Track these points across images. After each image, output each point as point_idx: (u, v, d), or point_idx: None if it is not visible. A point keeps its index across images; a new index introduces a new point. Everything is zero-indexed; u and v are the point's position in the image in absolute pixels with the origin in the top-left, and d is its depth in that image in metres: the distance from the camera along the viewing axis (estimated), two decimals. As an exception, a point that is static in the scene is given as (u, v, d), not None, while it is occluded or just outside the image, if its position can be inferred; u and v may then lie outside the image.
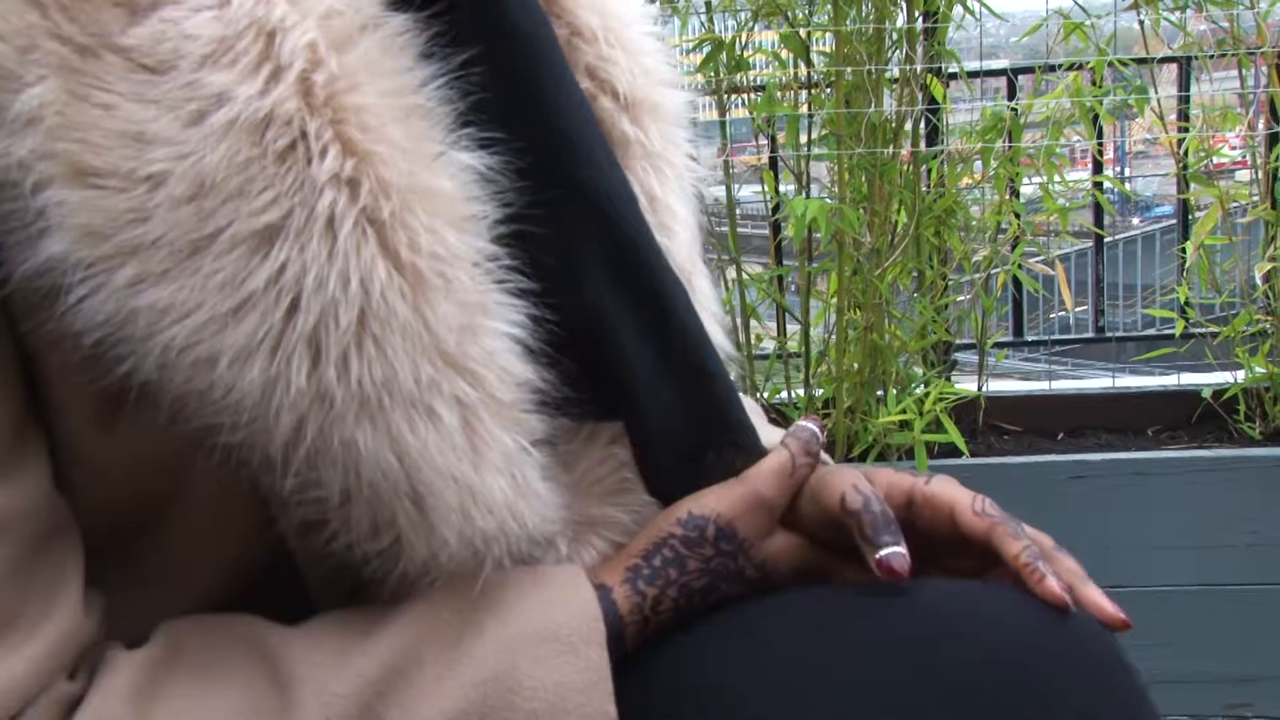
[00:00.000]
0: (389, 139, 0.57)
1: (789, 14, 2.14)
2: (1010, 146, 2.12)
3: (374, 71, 0.58)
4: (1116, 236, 4.44)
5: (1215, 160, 2.35)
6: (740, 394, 0.74)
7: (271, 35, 0.55)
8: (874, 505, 0.66)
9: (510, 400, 0.61)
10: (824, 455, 0.72)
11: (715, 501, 0.68)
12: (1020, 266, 2.21)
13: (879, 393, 2.09)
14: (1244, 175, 2.43)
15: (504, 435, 0.60)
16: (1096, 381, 2.39)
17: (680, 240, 0.76)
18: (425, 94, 0.60)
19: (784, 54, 2.19)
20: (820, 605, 0.67)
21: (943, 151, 2.16)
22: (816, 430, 0.71)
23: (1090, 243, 2.43)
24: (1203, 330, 2.21)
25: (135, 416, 0.58)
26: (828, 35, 2.17)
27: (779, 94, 2.16)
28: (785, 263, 2.29)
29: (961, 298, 2.27)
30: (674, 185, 0.76)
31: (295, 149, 0.55)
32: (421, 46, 0.61)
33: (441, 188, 0.59)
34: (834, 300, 2.12)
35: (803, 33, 2.15)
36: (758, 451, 0.71)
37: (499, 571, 0.62)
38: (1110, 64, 2.14)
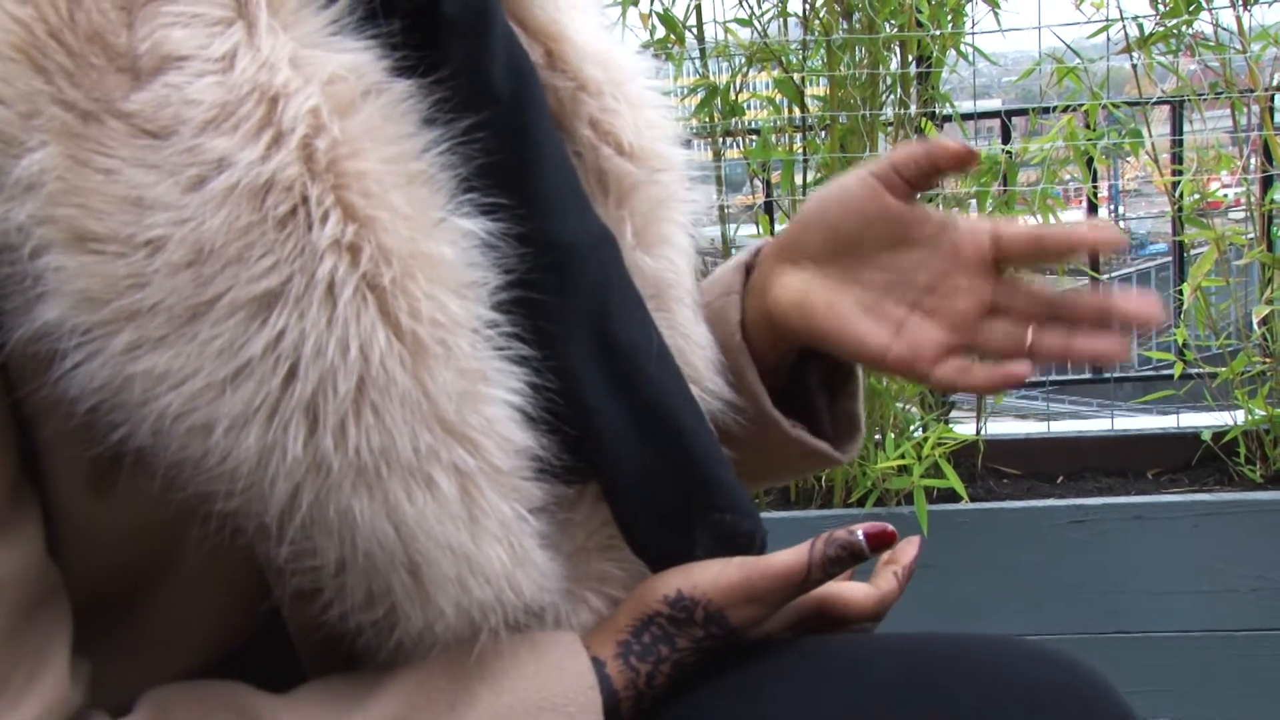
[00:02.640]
0: (390, 205, 0.57)
1: (783, 59, 2.15)
2: (1005, 189, 2.13)
3: (376, 137, 0.57)
4: (1111, 275, 4.45)
5: (1209, 200, 2.36)
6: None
7: (274, 100, 0.55)
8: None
9: (509, 468, 0.60)
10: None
11: (708, 585, 0.65)
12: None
13: (877, 437, 2.08)
14: (1236, 214, 2.44)
15: (502, 503, 0.59)
16: (1096, 423, 2.38)
17: (677, 292, 0.75)
18: (427, 160, 0.59)
19: (778, 98, 2.20)
20: (818, 660, 0.66)
21: (938, 194, 2.16)
22: (863, 543, 0.64)
23: (1085, 281, 2.43)
24: (1200, 371, 2.20)
25: (129, 484, 0.57)
26: (822, 79, 2.18)
27: (773, 138, 2.16)
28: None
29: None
30: (675, 238, 0.76)
31: (296, 215, 0.54)
32: (424, 112, 0.60)
33: (442, 254, 0.58)
34: (830, 344, 2.11)
35: (797, 77, 2.15)
36: (752, 514, 0.70)
37: (494, 639, 0.61)
38: (1104, 106, 2.15)
